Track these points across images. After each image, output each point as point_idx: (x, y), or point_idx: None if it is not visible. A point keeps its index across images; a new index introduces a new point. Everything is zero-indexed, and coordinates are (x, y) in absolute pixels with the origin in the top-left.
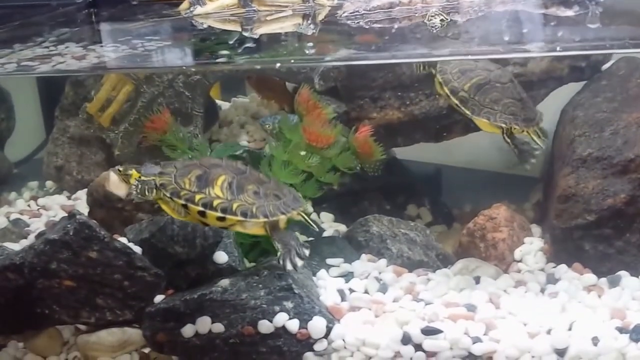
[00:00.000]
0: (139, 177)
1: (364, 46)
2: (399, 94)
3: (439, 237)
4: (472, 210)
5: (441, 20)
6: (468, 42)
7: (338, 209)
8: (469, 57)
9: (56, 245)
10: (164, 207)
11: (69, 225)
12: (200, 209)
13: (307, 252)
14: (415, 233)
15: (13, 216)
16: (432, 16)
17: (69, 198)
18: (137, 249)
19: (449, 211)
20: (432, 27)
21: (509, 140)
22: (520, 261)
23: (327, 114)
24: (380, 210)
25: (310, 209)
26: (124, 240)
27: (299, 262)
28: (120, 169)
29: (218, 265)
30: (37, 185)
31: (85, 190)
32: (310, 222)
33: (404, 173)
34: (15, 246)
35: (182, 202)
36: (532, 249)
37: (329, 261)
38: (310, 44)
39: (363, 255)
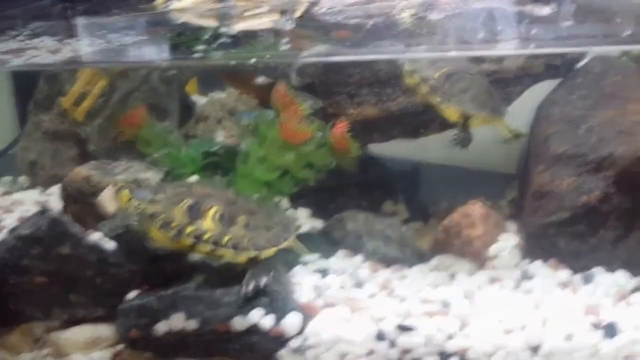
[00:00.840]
0: (130, 199)
1: (340, 42)
2: (376, 90)
3: (415, 233)
4: (448, 207)
5: (411, 15)
6: (443, 39)
7: (314, 205)
8: (444, 54)
9: (28, 241)
10: (152, 234)
11: (40, 221)
12: (192, 241)
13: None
14: (392, 230)
15: None
16: (401, 10)
17: (41, 193)
18: (112, 244)
19: (426, 208)
20: (402, 22)
21: (461, 126)
22: (495, 258)
23: (304, 110)
24: (357, 207)
25: (285, 204)
26: (98, 235)
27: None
28: (114, 186)
29: (193, 261)
30: (10, 180)
31: (59, 185)
32: (300, 248)
33: (380, 169)
34: None
35: (173, 234)
36: (507, 245)
37: (305, 257)
38: (287, 40)
39: (339, 252)
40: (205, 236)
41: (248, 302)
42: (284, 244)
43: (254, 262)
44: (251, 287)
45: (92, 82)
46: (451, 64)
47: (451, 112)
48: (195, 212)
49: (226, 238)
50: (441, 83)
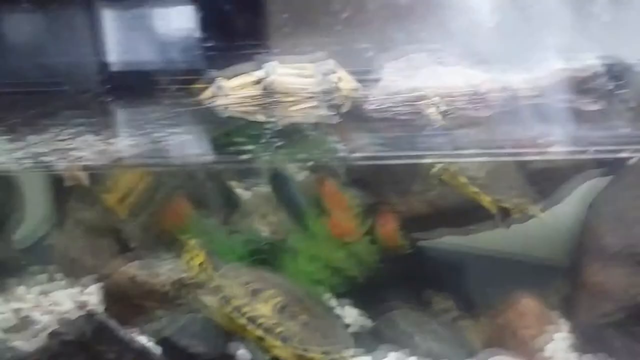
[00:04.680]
0: (202, 262)
1: (389, 140)
2: (425, 185)
3: (466, 330)
4: (499, 302)
5: (439, 110)
6: (489, 137)
7: (362, 301)
8: (491, 156)
9: (72, 347)
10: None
11: (86, 325)
12: (244, 322)
13: None
14: (444, 328)
15: (22, 312)
16: (430, 105)
17: (81, 292)
18: (157, 348)
19: (476, 303)
20: (432, 119)
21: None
22: (550, 357)
23: (353, 206)
24: (405, 303)
25: (333, 303)
26: (142, 338)
27: None
28: (191, 242)
29: None
30: (46, 277)
31: (99, 284)
32: None
33: (429, 264)
34: (25, 345)
35: (230, 310)
36: (562, 345)
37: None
38: (335, 138)
39: (391, 353)
40: (260, 321)
41: None
42: (335, 356)
43: None
44: None
45: (136, 178)
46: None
47: (491, 202)
48: (258, 296)
49: (279, 329)
50: (487, 181)
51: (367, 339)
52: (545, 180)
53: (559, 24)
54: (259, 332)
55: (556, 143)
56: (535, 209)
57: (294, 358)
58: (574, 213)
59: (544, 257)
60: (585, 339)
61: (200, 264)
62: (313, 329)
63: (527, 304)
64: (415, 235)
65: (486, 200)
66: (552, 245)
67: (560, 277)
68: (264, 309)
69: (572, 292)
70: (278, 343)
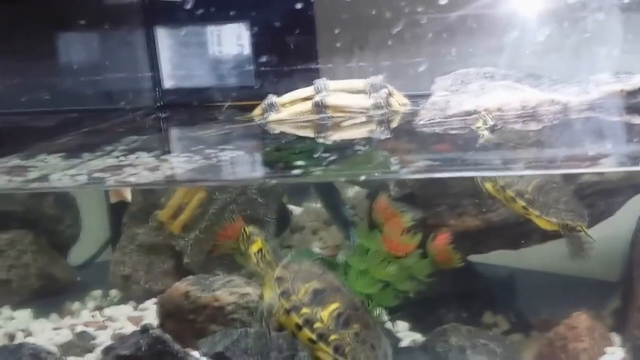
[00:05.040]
0: (260, 250)
1: (441, 156)
2: (477, 201)
3: (517, 346)
4: (549, 318)
5: (487, 125)
6: (540, 152)
7: (413, 317)
8: (541, 170)
9: None
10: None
11: (141, 341)
12: (300, 322)
13: None
14: (495, 343)
15: (78, 328)
16: (477, 119)
17: (135, 308)
18: None
19: (526, 318)
20: (479, 132)
21: (568, 236)
22: None
23: (406, 222)
24: (456, 319)
25: (384, 317)
26: (196, 354)
27: None
28: (248, 230)
29: None
30: (100, 294)
31: (153, 300)
32: None
33: (479, 278)
34: None
35: (287, 307)
36: (614, 359)
37: None
38: (386, 153)
39: None
40: (316, 325)
41: None
42: None
43: None
44: None
45: (189, 195)
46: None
47: (549, 224)
48: (318, 299)
49: (333, 337)
50: (535, 196)
51: (419, 354)
52: (596, 194)
53: (609, 38)
54: (313, 336)
55: (606, 156)
56: (583, 224)
57: None
58: (625, 227)
59: (595, 272)
60: (636, 354)
61: (259, 251)
62: (362, 340)
63: (578, 319)
64: (467, 250)
65: (534, 214)
66: (604, 260)
67: (612, 291)
68: (322, 313)
69: (624, 307)
70: (329, 351)
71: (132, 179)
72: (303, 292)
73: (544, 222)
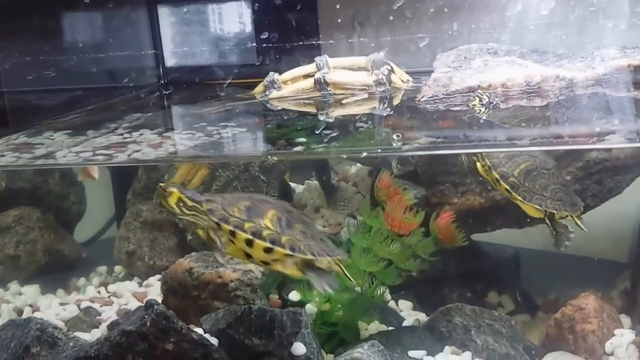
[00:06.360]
0: (179, 198)
1: (444, 132)
2: (480, 179)
3: (523, 327)
4: (556, 298)
5: (481, 102)
6: (545, 128)
7: (416, 297)
8: (547, 147)
9: (132, 337)
10: (202, 234)
11: (146, 316)
12: (249, 237)
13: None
14: (500, 324)
15: (84, 304)
16: (473, 97)
17: (140, 284)
18: (214, 340)
19: (532, 298)
20: (475, 110)
21: (549, 224)
22: (611, 354)
23: (408, 199)
24: (460, 298)
25: (388, 296)
26: (199, 330)
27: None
28: (162, 185)
29: (296, 357)
30: (105, 270)
31: (157, 276)
32: (347, 274)
33: (484, 258)
34: (87, 336)
35: (231, 228)
36: (623, 341)
37: (411, 353)
38: (388, 130)
39: (446, 347)
40: (264, 233)
41: None
42: (336, 258)
43: (311, 268)
44: (325, 285)
45: (193, 171)
46: (528, 159)
47: (533, 210)
48: (254, 212)
49: (284, 238)
50: (521, 180)
51: (422, 333)
52: (603, 171)
53: (615, 11)
54: (267, 244)
55: (613, 133)
56: (574, 214)
57: (295, 270)
58: (634, 205)
59: (603, 251)
60: None
61: (179, 200)
62: (311, 236)
63: (586, 299)
64: (471, 229)
65: (517, 199)
66: (612, 239)
67: (621, 272)
68: (264, 222)
69: (633, 287)
70: (287, 252)
71: (137, 155)
72: (237, 212)
73: (529, 208)
